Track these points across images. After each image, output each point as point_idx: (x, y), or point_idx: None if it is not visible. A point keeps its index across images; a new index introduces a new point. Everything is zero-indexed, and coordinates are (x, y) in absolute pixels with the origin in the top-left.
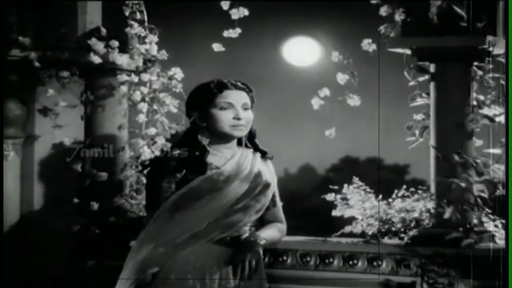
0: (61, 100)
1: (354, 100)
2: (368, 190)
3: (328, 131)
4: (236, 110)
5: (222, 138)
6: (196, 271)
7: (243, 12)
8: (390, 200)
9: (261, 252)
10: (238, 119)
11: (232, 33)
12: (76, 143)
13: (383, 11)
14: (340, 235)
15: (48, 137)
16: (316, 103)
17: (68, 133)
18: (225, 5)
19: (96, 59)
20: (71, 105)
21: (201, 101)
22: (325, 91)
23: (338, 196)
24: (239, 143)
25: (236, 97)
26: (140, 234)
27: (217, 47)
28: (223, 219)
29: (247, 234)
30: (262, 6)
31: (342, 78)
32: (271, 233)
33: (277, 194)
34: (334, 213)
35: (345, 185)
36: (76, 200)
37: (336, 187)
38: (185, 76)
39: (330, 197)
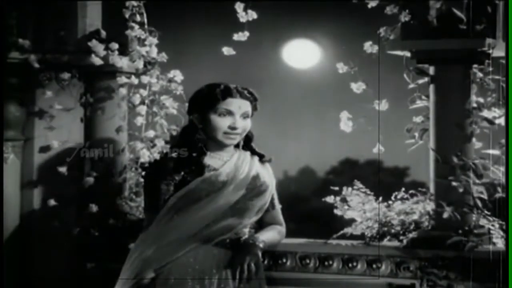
0: (56, 103)
1: (382, 105)
2: (368, 192)
3: (375, 149)
4: (234, 119)
5: (215, 143)
6: (195, 273)
7: (252, 15)
8: (389, 202)
9: (260, 254)
10: (234, 128)
11: (242, 36)
12: (72, 145)
13: (389, 10)
14: (340, 237)
15: (48, 140)
16: (347, 127)
17: (64, 135)
18: (239, 8)
19: (97, 61)
20: (67, 108)
21: (203, 104)
22: (346, 114)
23: (338, 198)
24: (237, 145)
25: (238, 106)
26: (139, 236)
27: (227, 50)
28: (222, 221)
29: (246, 236)
30: (262, 9)
31: (357, 87)
32: (270, 235)
33: (276, 197)
34: (334, 214)
35: (345, 188)
36: (61, 203)
37: (336, 188)
38: (185, 79)
39: (330, 199)
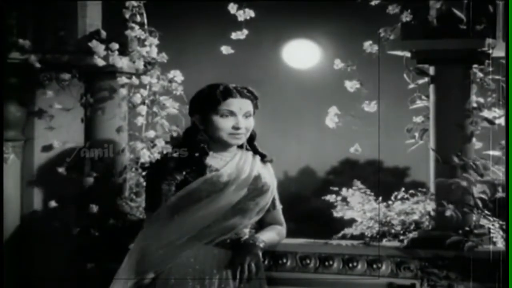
0: (56, 102)
1: (370, 107)
2: (368, 192)
3: (353, 148)
4: (236, 119)
5: (220, 144)
6: (195, 273)
7: (249, 13)
8: (389, 202)
9: (260, 254)
10: (238, 128)
11: (240, 34)
12: (72, 145)
13: (391, 9)
14: (340, 237)
15: (48, 140)
16: (331, 122)
17: (65, 136)
18: (232, 9)
19: (100, 62)
20: (68, 108)
21: (204, 105)
22: (335, 110)
23: (338, 198)
24: (240, 145)
25: (239, 106)
26: (138, 235)
27: (225, 49)
28: (223, 222)
29: (246, 237)
30: (263, 8)
31: (351, 85)
32: (271, 235)
33: (276, 197)
34: (334, 214)
35: (344, 189)
36: (61, 203)
37: (336, 189)
38: (185, 79)
39: (330, 198)
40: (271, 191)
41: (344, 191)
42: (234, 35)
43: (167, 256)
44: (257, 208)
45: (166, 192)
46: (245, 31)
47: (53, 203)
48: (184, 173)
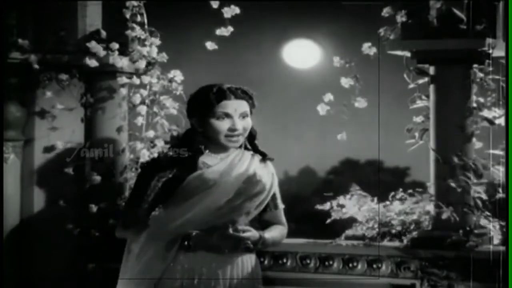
0: (58, 103)
1: (360, 103)
2: (369, 192)
3: (339, 135)
4: (232, 121)
5: (219, 145)
6: (185, 272)
7: (234, 10)
8: (390, 202)
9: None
10: (234, 130)
11: (224, 31)
12: (73, 146)
13: (385, 12)
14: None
15: (48, 140)
16: (322, 109)
17: (65, 136)
18: (214, 4)
19: (92, 63)
20: (68, 108)
21: (200, 109)
22: (329, 96)
23: (338, 200)
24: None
25: (234, 107)
26: (135, 234)
27: (210, 45)
28: (216, 220)
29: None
30: (263, 8)
31: (346, 82)
32: (272, 233)
33: (278, 196)
34: (333, 216)
35: (341, 196)
36: (62, 203)
37: (331, 194)
38: (185, 79)
39: (326, 206)
40: (268, 191)
41: (342, 196)
42: (218, 31)
43: (169, 255)
44: (250, 207)
45: (152, 190)
46: (230, 28)
47: (52, 202)
48: (174, 170)
